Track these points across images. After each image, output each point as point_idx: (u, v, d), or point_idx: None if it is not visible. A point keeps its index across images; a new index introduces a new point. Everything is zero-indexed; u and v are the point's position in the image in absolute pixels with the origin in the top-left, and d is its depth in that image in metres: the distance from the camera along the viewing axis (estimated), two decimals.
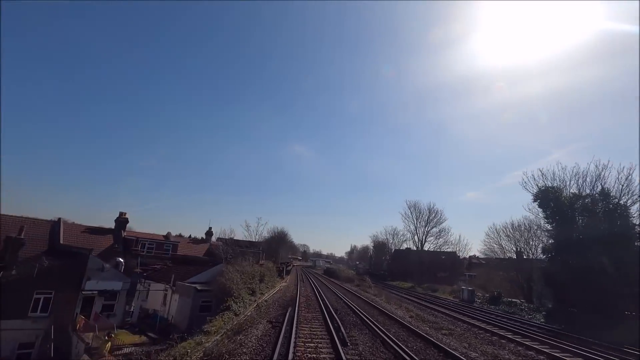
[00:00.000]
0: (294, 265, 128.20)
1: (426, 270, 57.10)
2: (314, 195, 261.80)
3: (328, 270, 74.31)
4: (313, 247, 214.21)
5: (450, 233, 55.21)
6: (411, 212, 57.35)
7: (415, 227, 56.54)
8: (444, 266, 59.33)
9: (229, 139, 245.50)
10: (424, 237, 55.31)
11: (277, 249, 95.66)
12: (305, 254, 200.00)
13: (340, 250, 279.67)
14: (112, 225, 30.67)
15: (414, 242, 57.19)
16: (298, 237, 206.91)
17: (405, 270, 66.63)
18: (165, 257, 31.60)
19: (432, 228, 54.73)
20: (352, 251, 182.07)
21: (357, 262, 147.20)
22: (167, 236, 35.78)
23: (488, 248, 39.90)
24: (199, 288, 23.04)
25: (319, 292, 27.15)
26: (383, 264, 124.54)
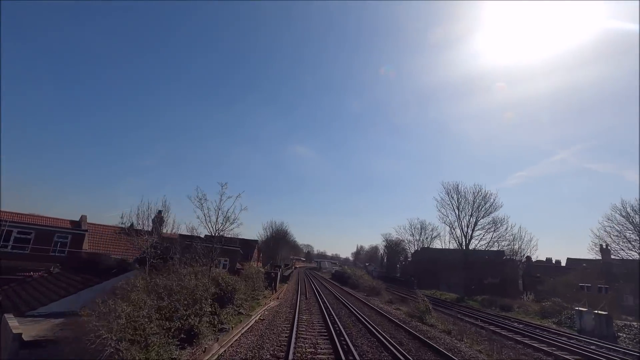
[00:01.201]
0: (296, 268, 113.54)
1: (470, 275, 42.34)
2: (316, 195, 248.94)
3: (338, 274, 59.59)
4: (317, 248, 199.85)
5: (510, 224, 40.20)
6: (450, 198, 42.85)
7: (458, 217, 41.96)
8: (494, 270, 44.50)
9: (232, 141, 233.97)
10: (470, 231, 40.79)
11: (276, 248, 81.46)
12: (309, 255, 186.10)
13: (344, 250, 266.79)
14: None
15: (453, 237, 42.74)
16: (301, 238, 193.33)
17: (436, 274, 52.02)
18: (54, 258, 17.33)
19: (481, 218, 40.32)
20: (359, 252, 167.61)
21: (367, 264, 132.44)
22: (81, 221, 21.53)
23: (613, 242, 25.18)
24: (25, 338, 8.76)
25: (339, 333, 12.71)
26: (398, 266, 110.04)
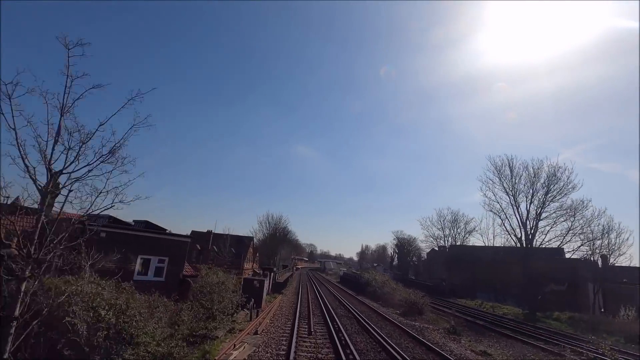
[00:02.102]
0: (297, 269, 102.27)
1: (531, 280, 31.21)
2: (319, 195, 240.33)
3: (349, 278, 48.52)
4: (320, 248, 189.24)
5: (598, 210, 28.43)
6: (501, 177, 31.76)
7: (513, 204, 30.83)
8: (558, 274, 33.44)
9: (234, 141, 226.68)
10: (533, 222, 29.64)
11: (274, 247, 70.65)
12: (312, 255, 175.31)
13: (348, 250, 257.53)
14: None
15: (506, 230, 31.75)
16: (304, 237, 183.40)
17: (473, 278, 41.06)
18: None
19: (550, 202, 29.11)
20: (364, 251, 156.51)
21: (375, 264, 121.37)
22: None
23: None
24: None
25: None
26: (410, 267, 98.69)
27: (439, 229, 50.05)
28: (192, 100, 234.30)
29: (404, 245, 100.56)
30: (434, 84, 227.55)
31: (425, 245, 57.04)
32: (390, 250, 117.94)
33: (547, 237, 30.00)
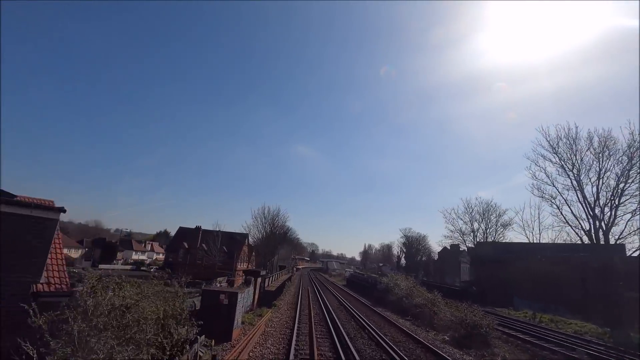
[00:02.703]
0: (298, 269, 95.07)
1: (600, 286, 23.91)
2: (320, 195, 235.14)
3: (358, 281, 41.19)
4: (322, 247, 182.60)
5: None
6: (557, 153, 24.36)
7: (577, 184, 23.38)
8: (629, 278, 26.09)
9: (234, 141, 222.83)
10: (608, 209, 22.00)
11: (274, 246, 63.40)
12: (314, 254, 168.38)
13: (350, 250, 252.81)
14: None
15: (565, 221, 24.36)
16: (305, 237, 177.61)
17: (507, 282, 33.77)
18: None
19: (630, 184, 21.52)
20: (367, 251, 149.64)
21: (381, 264, 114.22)
22: None
23: None
24: None
25: None
26: (420, 267, 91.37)
27: (465, 222, 41.77)
28: (192, 100, 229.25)
29: (413, 244, 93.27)
30: (434, 84, 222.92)
31: (450, 242, 49.36)
32: (396, 250, 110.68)
33: (623, 229, 22.55)
